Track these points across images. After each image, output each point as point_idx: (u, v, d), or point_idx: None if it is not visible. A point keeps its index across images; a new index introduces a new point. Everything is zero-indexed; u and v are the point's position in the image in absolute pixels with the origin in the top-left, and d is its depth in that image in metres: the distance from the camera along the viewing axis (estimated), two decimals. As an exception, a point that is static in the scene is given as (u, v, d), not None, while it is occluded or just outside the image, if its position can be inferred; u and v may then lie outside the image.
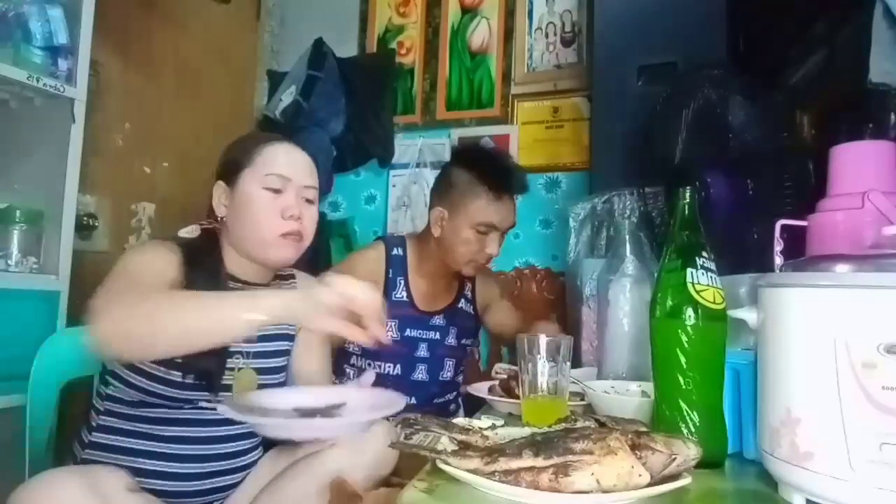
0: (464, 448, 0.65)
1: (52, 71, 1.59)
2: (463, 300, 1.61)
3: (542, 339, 0.88)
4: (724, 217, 1.29)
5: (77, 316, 1.59)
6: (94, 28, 1.67)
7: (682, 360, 0.68)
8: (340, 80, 2.49)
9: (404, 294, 1.50)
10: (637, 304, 1.18)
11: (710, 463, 0.65)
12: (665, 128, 1.40)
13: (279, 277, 1.16)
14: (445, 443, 0.68)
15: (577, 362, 1.46)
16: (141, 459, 0.98)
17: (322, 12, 2.79)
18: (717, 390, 0.69)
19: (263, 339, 1.08)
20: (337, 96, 2.46)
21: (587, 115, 2.22)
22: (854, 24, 1.12)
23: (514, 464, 0.57)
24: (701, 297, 0.68)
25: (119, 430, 0.99)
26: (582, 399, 1.05)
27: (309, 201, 1.09)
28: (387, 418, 0.94)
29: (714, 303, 0.68)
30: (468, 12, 2.58)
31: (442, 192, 1.48)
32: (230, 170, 1.07)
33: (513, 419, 0.98)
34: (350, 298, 0.82)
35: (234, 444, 1.06)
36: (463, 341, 1.61)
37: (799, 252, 0.84)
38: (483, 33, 2.55)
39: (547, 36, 2.45)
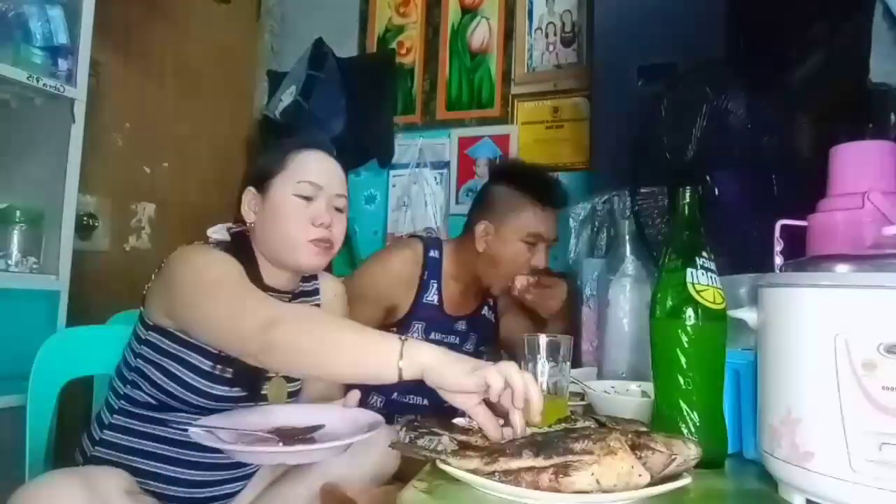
0: (464, 448, 0.65)
1: (52, 71, 1.59)
2: (486, 308, 1.63)
3: (543, 339, 0.88)
4: (724, 216, 1.29)
5: (77, 316, 1.60)
6: (94, 28, 1.67)
7: (682, 360, 0.68)
8: (340, 80, 2.48)
9: (436, 297, 1.51)
10: (637, 304, 1.19)
11: (710, 463, 0.65)
12: (665, 128, 1.40)
13: (302, 279, 1.16)
14: (446, 443, 0.68)
15: (577, 362, 1.46)
16: (151, 462, 0.98)
17: (322, 12, 2.79)
18: (717, 390, 0.69)
19: None
20: (337, 96, 2.46)
21: (587, 115, 2.21)
22: (854, 24, 1.12)
23: (514, 464, 0.57)
24: (701, 297, 0.68)
25: (133, 431, 0.99)
26: (582, 399, 1.05)
27: (338, 210, 1.09)
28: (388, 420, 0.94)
29: (714, 303, 0.68)
30: (468, 12, 2.58)
31: (486, 208, 1.49)
32: (261, 176, 1.06)
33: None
34: (519, 395, 0.69)
35: None
36: (480, 348, 1.62)
37: (799, 252, 0.84)
38: (483, 33, 2.55)
39: (547, 36, 2.45)
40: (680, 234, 0.72)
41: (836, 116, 1.18)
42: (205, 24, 2.53)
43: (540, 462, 0.56)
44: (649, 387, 0.80)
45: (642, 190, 1.46)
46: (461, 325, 1.56)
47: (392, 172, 2.63)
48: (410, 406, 1.50)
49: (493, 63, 2.52)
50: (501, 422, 0.71)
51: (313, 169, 1.06)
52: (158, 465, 0.98)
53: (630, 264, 1.24)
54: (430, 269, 1.51)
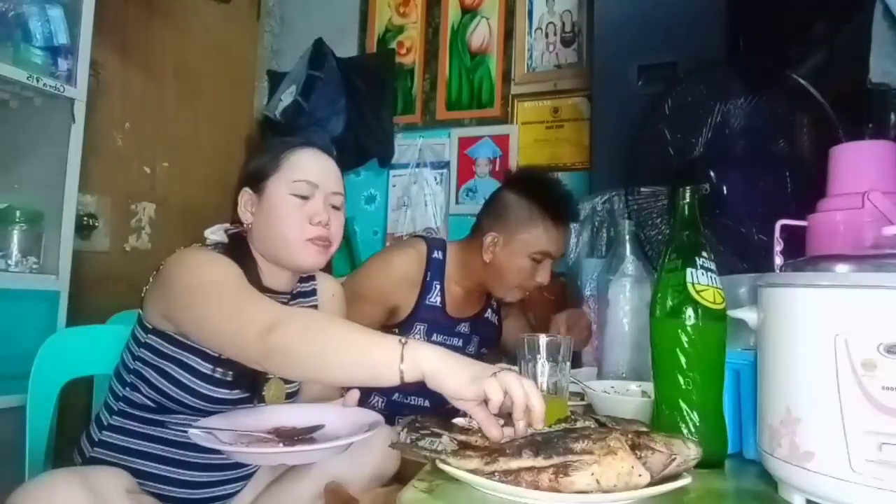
0: (464, 448, 0.65)
1: (52, 71, 1.59)
2: (490, 310, 1.62)
3: (542, 339, 0.88)
4: (724, 216, 1.29)
5: (77, 316, 1.60)
6: (94, 28, 1.67)
7: (682, 360, 0.68)
8: (340, 80, 2.48)
9: (438, 299, 1.49)
10: (637, 304, 1.19)
11: (710, 463, 0.65)
12: (667, 127, 1.40)
13: (300, 279, 1.16)
14: (446, 443, 0.68)
15: (577, 362, 1.47)
16: (150, 463, 0.98)
17: (322, 12, 2.79)
18: (717, 390, 0.69)
19: None
20: (337, 96, 2.46)
21: (587, 115, 2.22)
22: (854, 24, 1.12)
23: (514, 464, 0.57)
24: (701, 297, 0.68)
25: (131, 432, 0.99)
26: (582, 399, 1.05)
27: (336, 208, 1.08)
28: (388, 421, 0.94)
29: (714, 303, 0.68)
30: (468, 12, 2.58)
31: (496, 217, 1.46)
32: (257, 176, 1.06)
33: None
34: (519, 407, 0.69)
35: None
36: (483, 350, 1.61)
37: (799, 252, 0.84)
38: (483, 33, 2.55)
39: (547, 36, 2.45)
40: (680, 234, 0.72)
41: (836, 116, 1.18)
42: (205, 24, 2.53)
43: (540, 462, 0.56)
44: (649, 387, 0.80)
45: (642, 190, 1.46)
46: (464, 328, 1.55)
47: (392, 172, 2.63)
48: (412, 407, 1.49)
49: (493, 63, 2.52)
50: (502, 422, 0.71)
51: (309, 167, 1.06)
52: (157, 465, 0.98)
53: (630, 264, 1.24)
54: (433, 271, 1.50)
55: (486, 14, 2.55)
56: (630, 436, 0.58)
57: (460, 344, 1.54)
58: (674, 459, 0.57)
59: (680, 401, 0.68)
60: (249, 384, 1.00)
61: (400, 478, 1.04)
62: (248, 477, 1.08)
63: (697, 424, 0.68)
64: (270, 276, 1.06)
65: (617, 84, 1.76)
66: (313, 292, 1.19)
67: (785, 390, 0.58)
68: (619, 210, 1.66)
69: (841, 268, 0.56)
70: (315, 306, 1.18)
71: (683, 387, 0.68)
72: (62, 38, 1.60)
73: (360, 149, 2.52)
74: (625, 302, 1.21)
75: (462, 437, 0.70)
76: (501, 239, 1.43)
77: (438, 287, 1.50)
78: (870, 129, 1.11)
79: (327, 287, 1.22)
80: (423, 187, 2.55)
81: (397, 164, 2.61)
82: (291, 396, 1.10)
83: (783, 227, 0.86)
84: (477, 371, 0.72)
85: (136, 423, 1.00)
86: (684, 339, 0.68)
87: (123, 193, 2.18)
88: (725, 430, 0.70)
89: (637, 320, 1.18)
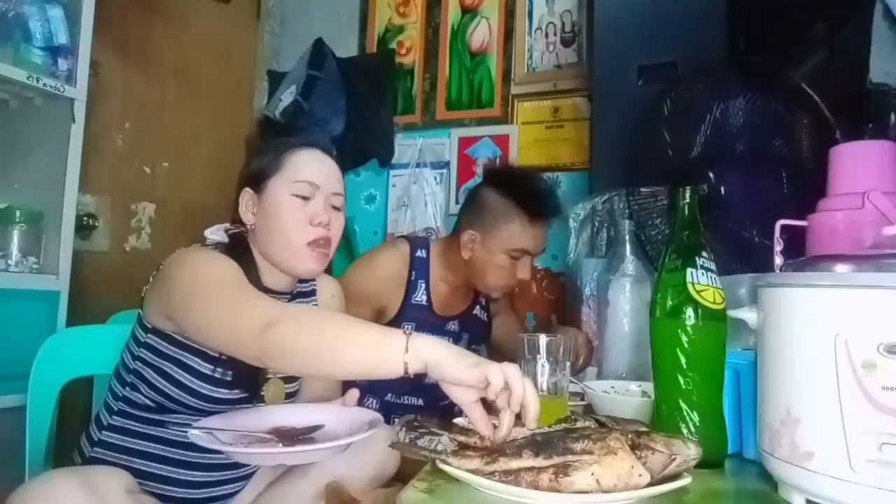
0: (464, 448, 0.65)
1: (52, 71, 1.59)
2: (478, 307, 1.61)
3: (542, 339, 0.88)
4: (723, 216, 1.29)
5: (77, 316, 1.60)
6: (94, 28, 1.67)
7: (682, 360, 0.68)
8: (340, 80, 2.48)
9: (424, 298, 1.49)
10: (637, 304, 1.19)
11: (710, 463, 0.65)
12: (667, 127, 1.40)
13: (299, 280, 1.16)
14: (445, 443, 0.68)
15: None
16: (150, 462, 0.98)
17: (322, 12, 2.79)
18: (717, 390, 0.69)
19: None
20: (337, 96, 2.46)
21: (587, 115, 2.22)
22: (854, 24, 1.12)
23: (514, 464, 0.57)
24: (701, 297, 0.68)
25: (131, 432, 0.99)
26: (582, 399, 1.05)
27: (336, 208, 1.08)
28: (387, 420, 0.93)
29: (714, 303, 0.68)
30: (468, 12, 2.58)
31: (474, 214, 1.45)
32: (258, 176, 1.06)
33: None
34: (516, 399, 0.69)
35: None
36: (473, 347, 1.60)
37: (799, 252, 0.84)
38: (483, 33, 2.55)
39: (547, 36, 2.45)
40: (680, 234, 0.72)
41: (836, 116, 1.18)
42: (205, 24, 2.53)
43: (540, 462, 0.56)
44: (649, 387, 0.80)
45: (642, 190, 1.46)
46: (452, 326, 1.54)
47: (392, 172, 2.63)
48: (406, 407, 1.49)
49: (493, 63, 2.52)
50: (495, 422, 0.71)
51: (310, 168, 1.06)
52: (157, 465, 0.98)
53: (630, 264, 1.24)
54: (418, 269, 1.49)
55: (486, 14, 2.55)
56: (630, 436, 0.58)
57: (450, 342, 1.53)
58: (674, 459, 0.57)
59: (680, 401, 0.68)
60: (249, 384, 1.00)
61: (400, 478, 1.04)
62: (248, 477, 1.08)
63: (697, 424, 0.68)
64: (270, 275, 1.06)
65: (617, 84, 1.76)
66: (313, 292, 1.19)
67: (785, 390, 0.58)
68: (619, 210, 1.66)
69: (841, 268, 0.56)
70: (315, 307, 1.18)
71: (683, 387, 0.68)
72: (62, 38, 1.60)
73: (361, 149, 2.52)
74: (625, 302, 1.21)
75: (462, 437, 0.70)
76: (479, 236, 1.42)
77: (424, 286, 1.49)
78: (870, 130, 1.11)
79: (327, 287, 1.22)
80: (423, 187, 2.55)
81: (397, 164, 2.61)
82: (291, 396, 1.10)
83: (783, 228, 0.86)
84: (479, 359, 0.73)
85: (135, 423, 1.00)
86: (684, 339, 0.68)
87: (123, 193, 2.18)
88: (725, 430, 0.70)
89: (637, 320, 1.18)
